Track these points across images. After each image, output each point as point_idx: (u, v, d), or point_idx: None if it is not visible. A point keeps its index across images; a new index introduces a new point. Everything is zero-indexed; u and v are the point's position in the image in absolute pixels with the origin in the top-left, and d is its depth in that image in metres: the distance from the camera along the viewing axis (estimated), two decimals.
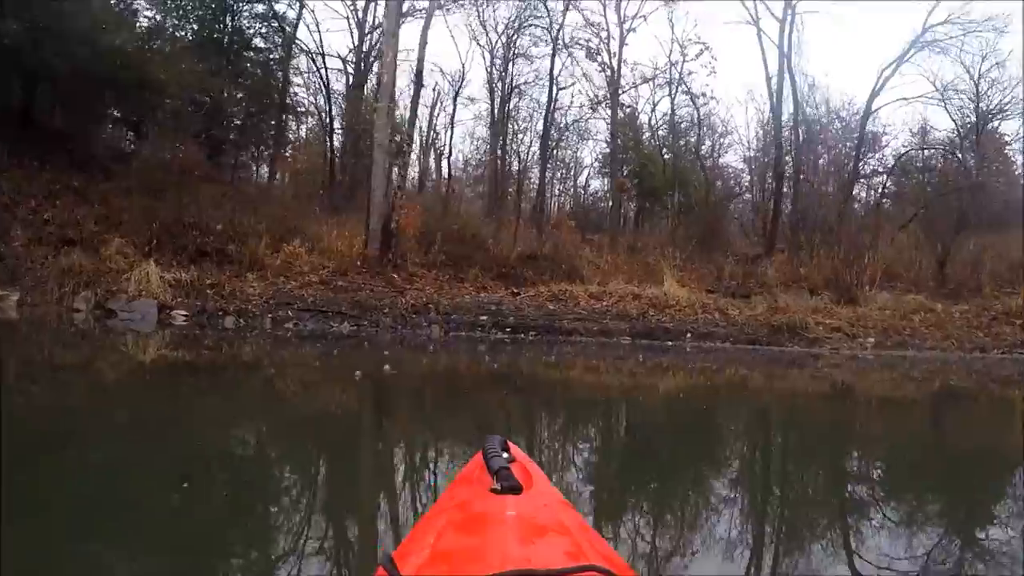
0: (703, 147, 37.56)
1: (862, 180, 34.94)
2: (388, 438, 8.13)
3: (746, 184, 40.87)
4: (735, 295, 23.98)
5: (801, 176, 31.68)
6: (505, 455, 2.09)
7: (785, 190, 32.15)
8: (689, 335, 20.22)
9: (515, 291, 22.50)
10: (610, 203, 36.73)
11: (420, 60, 24.68)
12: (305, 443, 7.54)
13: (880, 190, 36.38)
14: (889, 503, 5.93)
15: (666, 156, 36.92)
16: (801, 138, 32.71)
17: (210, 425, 7.93)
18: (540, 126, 35.72)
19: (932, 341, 20.64)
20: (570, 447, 8.19)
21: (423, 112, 36.81)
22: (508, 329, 19.67)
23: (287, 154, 37.49)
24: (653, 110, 38.50)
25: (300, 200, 30.06)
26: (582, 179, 44.37)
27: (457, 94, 37.38)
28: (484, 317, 19.96)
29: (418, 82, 24.69)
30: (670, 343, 19.83)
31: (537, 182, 37.00)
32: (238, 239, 22.66)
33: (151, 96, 27.09)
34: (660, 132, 38.95)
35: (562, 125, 37.15)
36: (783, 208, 32.22)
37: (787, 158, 32.60)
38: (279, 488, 5.80)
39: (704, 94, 35.10)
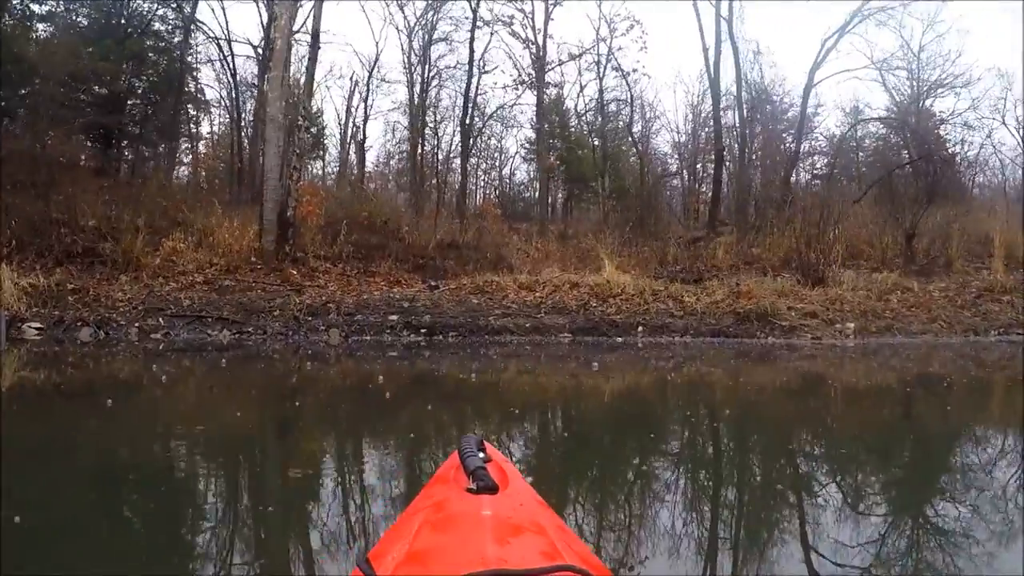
0: (634, 127, 33.31)
1: (799, 159, 31.10)
2: (362, 438, 7.51)
3: (675, 168, 37.29)
4: (684, 280, 19.95)
5: (746, 151, 27.75)
6: (481, 455, 1.92)
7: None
8: (641, 329, 16.12)
9: (432, 284, 18.19)
10: (537, 189, 32.70)
11: (317, 19, 20.10)
12: (268, 447, 7.00)
13: (827, 169, 32.90)
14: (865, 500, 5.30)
15: (595, 141, 32.99)
16: (745, 111, 28.73)
17: (154, 438, 6.91)
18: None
19: (918, 324, 16.86)
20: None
21: (340, 103, 33.32)
22: (423, 330, 15.33)
23: (197, 148, 33.52)
24: (580, 93, 34.82)
25: (199, 194, 25.46)
26: (507, 169, 40.70)
27: (371, 75, 33.60)
28: (394, 316, 15.62)
29: (314, 45, 20.08)
30: (620, 339, 15.72)
31: (460, 171, 32.66)
32: (113, 236, 18.28)
33: (18, 79, 22.60)
34: (587, 116, 35.34)
35: (485, 113, 33.73)
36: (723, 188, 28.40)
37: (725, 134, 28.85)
38: (251, 491, 5.30)
39: (635, 70, 31.26)
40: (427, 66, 32.33)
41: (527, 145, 36.99)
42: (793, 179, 30.60)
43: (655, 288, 18.09)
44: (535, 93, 30.38)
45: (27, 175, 19.77)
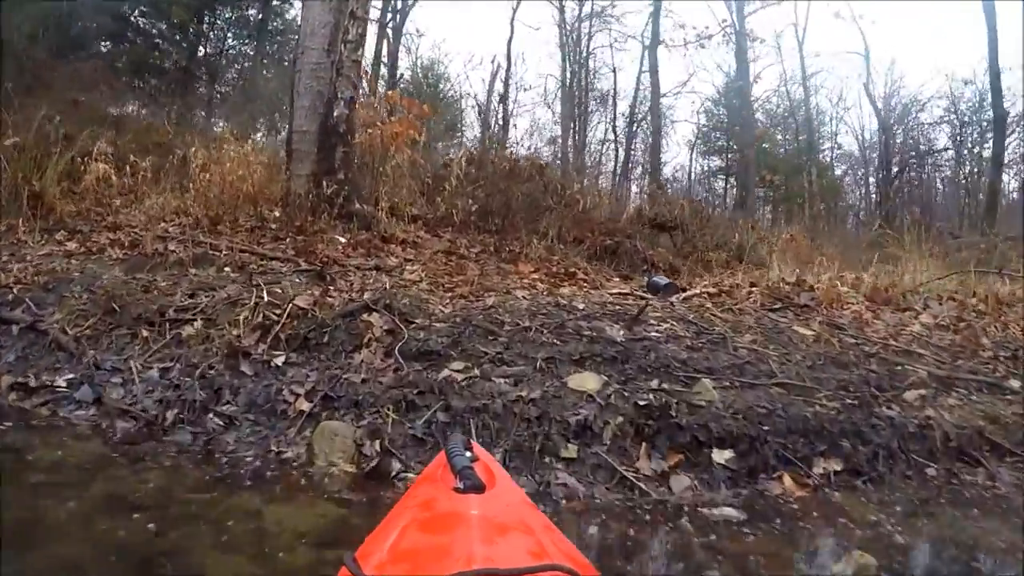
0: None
1: None
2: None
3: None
4: None
5: None
6: (468, 454, 1.53)
7: None
8: None
9: (657, 282, 6.22)
10: (729, 175, 20.64)
11: None
12: None
13: None
14: None
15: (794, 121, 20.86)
16: None
17: None
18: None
19: None
20: None
21: (480, 88, 24.26)
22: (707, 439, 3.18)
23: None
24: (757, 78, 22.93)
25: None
26: (667, 170, 28.83)
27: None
28: (585, 406, 3.29)
29: None
30: None
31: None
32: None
33: None
34: (775, 100, 23.41)
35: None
36: None
37: None
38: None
39: (862, 16, 20.28)
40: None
41: (702, 135, 25.35)
42: None
43: None
44: (731, 45, 18.52)
45: None
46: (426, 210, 8.31)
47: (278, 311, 3.95)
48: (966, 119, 23.87)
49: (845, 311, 5.70)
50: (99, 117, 11.17)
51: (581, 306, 4.59)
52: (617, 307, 4.75)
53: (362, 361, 3.50)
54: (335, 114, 7.05)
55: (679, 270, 8.38)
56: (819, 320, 5.21)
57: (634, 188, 25.37)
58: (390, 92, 9.85)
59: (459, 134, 25.71)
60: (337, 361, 3.54)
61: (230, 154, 7.57)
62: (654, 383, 3.38)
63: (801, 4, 21.00)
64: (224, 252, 5.89)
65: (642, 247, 8.50)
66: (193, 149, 7.52)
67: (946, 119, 24.22)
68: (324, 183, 6.89)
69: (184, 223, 7.07)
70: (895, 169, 18.94)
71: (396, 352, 3.47)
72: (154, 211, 7.52)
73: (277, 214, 7.46)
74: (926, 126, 24.77)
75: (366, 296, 4.31)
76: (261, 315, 3.88)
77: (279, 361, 3.55)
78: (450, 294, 4.88)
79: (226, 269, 5.57)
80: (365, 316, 3.84)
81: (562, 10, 24.22)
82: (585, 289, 5.98)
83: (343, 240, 6.59)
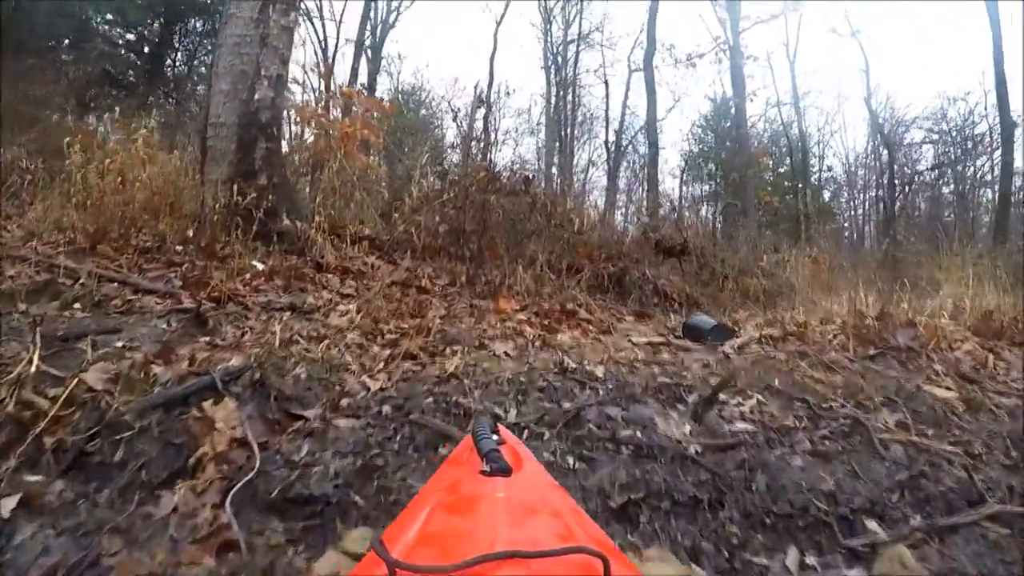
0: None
1: None
2: None
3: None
4: None
5: None
6: (495, 437, 1.41)
7: None
8: None
9: (696, 326, 4.40)
10: (719, 201, 19.16)
11: None
12: None
13: None
14: None
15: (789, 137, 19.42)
16: None
17: None
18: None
19: None
20: None
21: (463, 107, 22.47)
22: None
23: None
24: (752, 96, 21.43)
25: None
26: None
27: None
28: None
29: None
30: None
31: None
32: None
33: None
34: (755, 130, 22.07)
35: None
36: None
37: None
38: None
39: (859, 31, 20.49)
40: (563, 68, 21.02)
41: (687, 159, 23.80)
42: None
43: None
44: (722, 62, 17.07)
45: None
46: (381, 230, 6.48)
47: (55, 392, 2.10)
48: (949, 139, 22.84)
49: (956, 352, 3.94)
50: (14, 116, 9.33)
51: (601, 372, 2.75)
52: (655, 369, 2.91)
53: (174, 510, 1.66)
54: (256, 97, 5.22)
55: (698, 302, 6.60)
56: (941, 371, 3.42)
57: (619, 216, 23.85)
58: (345, 88, 8.06)
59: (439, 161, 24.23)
60: (125, 509, 1.69)
61: (111, 148, 5.70)
62: (792, 561, 1.55)
63: (792, 23, 19.27)
64: (82, 281, 4.04)
65: (652, 275, 6.71)
66: (67, 140, 5.63)
67: (928, 139, 23.20)
68: (240, 189, 5.06)
69: (60, 240, 5.24)
70: (897, 188, 17.52)
71: (228, 503, 1.61)
72: (34, 225, 5.69)
73: (191, 233, 5.64)
74: (913, 147, 23.62)
75: (230, 363, 2.44)
76: (14, 401, 2.02)
77: (7, 509, 1.69)
78: (390, 351, 3.03)
79: (75, 305, 3.72)
80: (206, 407, 2.00)
81: (547, 33, 22.82)
82: (592, 335, 4.14)
83: (260, 267, 4.75)
